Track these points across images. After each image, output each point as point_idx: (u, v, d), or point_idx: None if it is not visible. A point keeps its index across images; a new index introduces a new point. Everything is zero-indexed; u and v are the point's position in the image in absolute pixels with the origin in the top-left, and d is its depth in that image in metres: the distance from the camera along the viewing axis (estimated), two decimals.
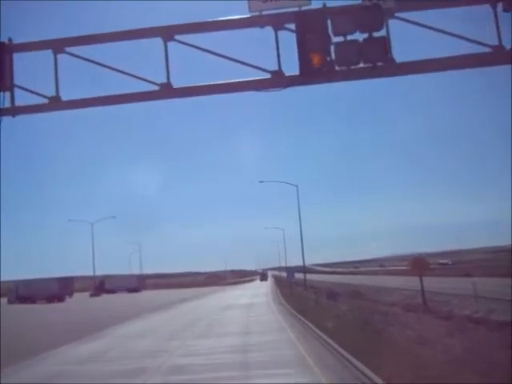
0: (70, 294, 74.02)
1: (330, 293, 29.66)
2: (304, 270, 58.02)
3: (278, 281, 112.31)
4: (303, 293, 47.96)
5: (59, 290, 71.66)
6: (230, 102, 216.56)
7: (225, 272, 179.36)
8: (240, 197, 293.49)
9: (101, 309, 42.53)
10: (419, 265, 29.27)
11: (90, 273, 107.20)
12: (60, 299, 70.49)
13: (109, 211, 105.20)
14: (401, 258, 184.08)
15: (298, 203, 54.13)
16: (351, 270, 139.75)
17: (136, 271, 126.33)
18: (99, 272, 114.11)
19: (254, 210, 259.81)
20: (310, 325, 18.94)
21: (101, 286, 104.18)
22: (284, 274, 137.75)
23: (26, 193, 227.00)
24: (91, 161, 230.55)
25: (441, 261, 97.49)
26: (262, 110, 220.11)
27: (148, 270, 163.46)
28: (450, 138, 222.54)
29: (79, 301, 67.47)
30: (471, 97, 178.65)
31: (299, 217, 54.58)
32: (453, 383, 8.82)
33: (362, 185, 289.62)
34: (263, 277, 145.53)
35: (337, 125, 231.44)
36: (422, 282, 28.03)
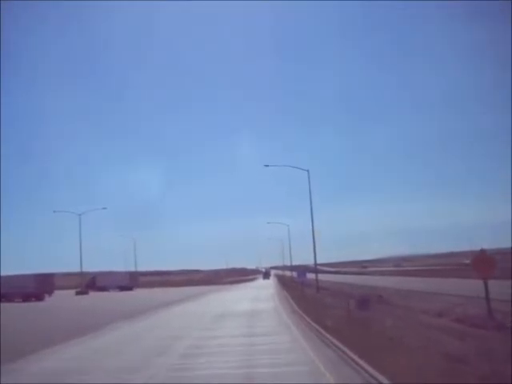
0: (50, 292, 66.00)
1: (363, 299, 21.32)
2: (316, 269, 49.73)
3: (282, 281, 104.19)
4: (317, 296, 39.72)
5: (37, 287, 63.93)
6: (232, 98, 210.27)
7: (225, 270, 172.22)
8: (241, 194, 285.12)
9: (68, 314, 34.36)
10: (485, 263, 21.18)
11: (85, 269, 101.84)
12: (39, 298, 62.81)
13: (108, 208, 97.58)
14: (403, 259, 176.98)
15: (310, 190, 46.45)
16: (359, 269, 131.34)
17: (132, 268, 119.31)
18: (96, 269, 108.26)
19: (256, 208, 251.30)
20: (364, 364, 10.66)
21: (92, 283, 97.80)
22: (287, 273, 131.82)
23: (24, 189, 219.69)
24: (89, 157, 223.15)
25: (466, 261, 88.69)
26: (263, 108, 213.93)
27: (147, 267, 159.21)
28: (454, 139, 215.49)
29: (58, 300, 59.56)
30: (474, 97, 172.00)
31: (310, 206, 46.73)
32: None
33: (363, 185, 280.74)
34: (266, 275, 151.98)
35: (340, 125, 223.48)
36: (486, 285, 20.27)
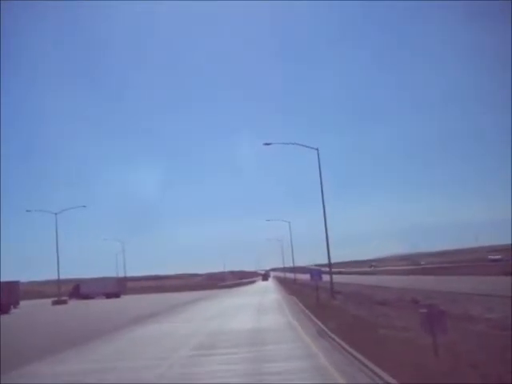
0: (15, 304, 56.49)
1: (434, 313, 12.12)
2: (330, 270, 40.48)
3: (284, 284, 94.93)
4: (335, 303, 30.56)
5: (3, 297, 54.49)
6: (232, 98, 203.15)
7: (223, 273, 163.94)
8: (241, 195, 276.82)
9: (7, 337, 24.98)
10: None
11: (79, 275, 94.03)
12: (4, 310, 53.47)
13: (104, 210, 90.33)
14: (401, 258, 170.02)
15: (320, 170, 39.08)
16: (372, 269, 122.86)
17: (129, 274, 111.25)
18: (88, 275, 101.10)
19: (255, 210, 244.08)
20: None
21: (75, 290, 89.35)
22: (289, 276, 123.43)
23: (23, 189, 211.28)
24: (89, 157, 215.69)
25: (491, 257, 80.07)
26: (263, 108, 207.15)
27: (145, 272, 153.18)
28: (454, 139, 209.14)
29: (22, 313, 50.45)
30: (474, 97, 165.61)
31: (321, 188, 38.81)
32: None
33: (363, 185, 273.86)
34: (265, 277, 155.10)
35: (340, 125, 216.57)
36: None
